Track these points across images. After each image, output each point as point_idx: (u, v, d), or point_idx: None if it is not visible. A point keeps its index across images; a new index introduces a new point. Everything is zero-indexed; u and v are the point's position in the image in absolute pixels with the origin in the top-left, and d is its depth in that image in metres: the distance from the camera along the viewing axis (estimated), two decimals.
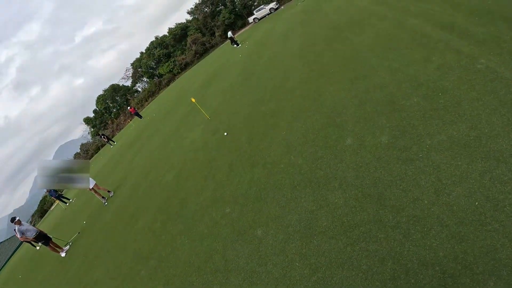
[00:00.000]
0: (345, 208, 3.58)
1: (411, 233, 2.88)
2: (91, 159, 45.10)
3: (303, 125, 5.95)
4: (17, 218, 9.37)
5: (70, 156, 56.04)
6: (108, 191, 12.19)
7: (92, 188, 11.41)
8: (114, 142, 32.68)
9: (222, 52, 32.60)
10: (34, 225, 29.96)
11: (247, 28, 43.46)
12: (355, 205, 3.53)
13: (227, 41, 41.17)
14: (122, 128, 47.76)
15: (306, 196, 4.17)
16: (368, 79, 5.95)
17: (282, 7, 39.07)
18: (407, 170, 3.50)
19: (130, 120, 34.63)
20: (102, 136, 32.79)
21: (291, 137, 5.82)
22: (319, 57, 9.26)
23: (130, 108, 34.64)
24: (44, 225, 25.04)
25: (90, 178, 11.19)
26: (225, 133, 8.51)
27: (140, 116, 33.89)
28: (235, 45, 27.07)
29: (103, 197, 11.99)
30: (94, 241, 9.12)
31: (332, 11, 14.99)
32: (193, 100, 11.07)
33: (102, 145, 42.12)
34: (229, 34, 27.71)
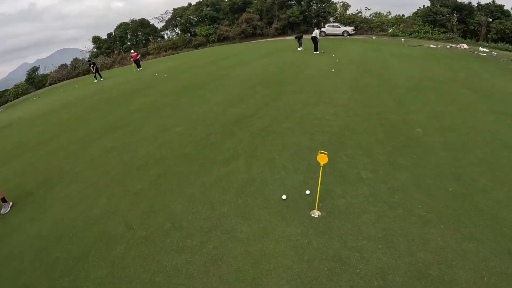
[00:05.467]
0: None
1: None
2: (66, 81, 37.40)
3: None
4: None
5: (64, 61, 48.80)
6: (4, 201, 5.55)
7: None
8: (101, 78, 25.46)
9: (283, 48, 25.35)
10: None
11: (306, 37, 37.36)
12: None
13: (289, 37, 34.72)
14: (124, 65, 40.36)
15: None
16: None
17: (374, 37, 32.88)
18: None
19: (133, 63, 27.36)
20: (92, 65, 25.50)
21: None
22: None
23: (133, 53, 27.44)
24: None
25: None
26: None
27: (139, 66, 26.79)
28: (314, 51, 20.62)
29: None
30: None
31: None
32: (321, 159, 4.35)
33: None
34: (316, 32, 20.65)
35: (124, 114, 11.49)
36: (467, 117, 8.07)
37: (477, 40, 33.81)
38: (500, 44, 27.64)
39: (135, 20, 52.02)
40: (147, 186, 6.03)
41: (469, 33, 36.16)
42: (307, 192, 5.20)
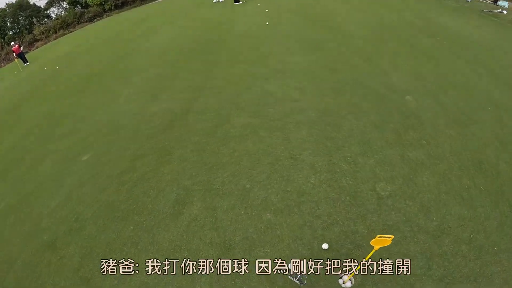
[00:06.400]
0: None
1: None
2: None
3: None
4: None
5: None
6: None
7: None
8: None
9: (198, 2, 21.10)
10: None
11: None
12: None
13: None
14: (11, 61, 32.63)
15: None
16: None
17: None
18: None
19: (17, 59, 21.50)
20: None
21: None
22: None
23: (14, 46, 21.49)
24: None
25: None
26: None
27: (25, 60, 21.29)
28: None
29: None
30: None
31: None
32: (379, 243, 2.29)
33: None
34: None
35: (13, 143, 8.05)
36: (446, 73, 6.81)
37: None
38: None
39: (12, 3, 42.25)
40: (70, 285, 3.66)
41: None
42: (325, 246, 3.38)
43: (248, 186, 4.32)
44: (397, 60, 7.38)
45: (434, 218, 3.67)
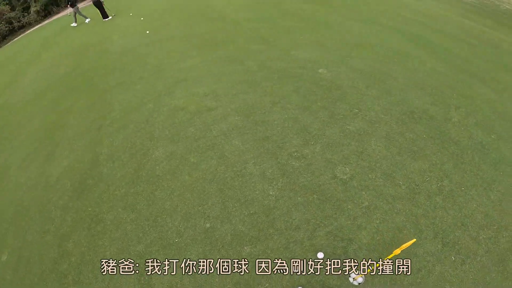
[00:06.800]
0: None
1: None
2: None
3: None
4: None
5: None
6: None
7: None
8: None
9: (61, 30, 18.18)
10: None
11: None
12: None
13: (69, 10, 26.93)
14: None
15: None
16: None
17: None
18: None
19: None
20: None
21: None
22: None
23: None
24: None
25: None
26: None
27: None
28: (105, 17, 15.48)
29: None
30: None
31: None
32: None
33: None
34: None
35: None
36: (343, 36, 7.03)
37: None
38: None
39: None
40: None
41: None
42: (320, 255, 3.16)
43: (207, 225, 3.73)
44: (294, 35, 7.35)
45: (401, 183, 3.66)
